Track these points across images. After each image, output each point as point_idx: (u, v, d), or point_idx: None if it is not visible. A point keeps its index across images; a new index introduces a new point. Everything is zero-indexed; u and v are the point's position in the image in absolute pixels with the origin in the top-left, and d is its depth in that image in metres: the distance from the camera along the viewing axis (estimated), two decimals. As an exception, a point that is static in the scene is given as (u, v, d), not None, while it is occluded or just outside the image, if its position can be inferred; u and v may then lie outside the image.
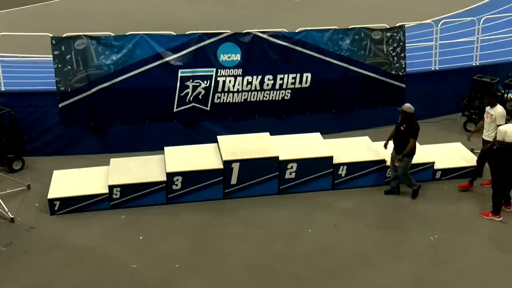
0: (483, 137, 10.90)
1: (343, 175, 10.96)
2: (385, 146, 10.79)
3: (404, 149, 10.31)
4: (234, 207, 10.61)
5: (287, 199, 10.84)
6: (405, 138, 10.37)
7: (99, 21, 20.04)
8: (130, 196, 10.53)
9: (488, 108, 10.83)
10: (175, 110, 12.60)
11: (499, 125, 10.26)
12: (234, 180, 10.74)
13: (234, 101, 12.76)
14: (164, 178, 10.58)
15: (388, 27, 13.41)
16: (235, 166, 10.63)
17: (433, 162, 11.35)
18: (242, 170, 10.62)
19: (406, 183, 10.69)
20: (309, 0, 23.91)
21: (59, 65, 11.98)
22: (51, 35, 12.01)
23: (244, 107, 12.76)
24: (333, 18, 18.56)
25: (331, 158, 10.82)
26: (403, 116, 10.42)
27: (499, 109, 10.68)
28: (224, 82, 12.57)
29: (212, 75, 12.50)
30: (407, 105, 10.48)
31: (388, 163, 10.96)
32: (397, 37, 13.39)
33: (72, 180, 10.84)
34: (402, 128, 10.43)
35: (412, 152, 10.42)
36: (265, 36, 12.65)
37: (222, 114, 12.82)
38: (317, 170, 10.83)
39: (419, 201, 10.68)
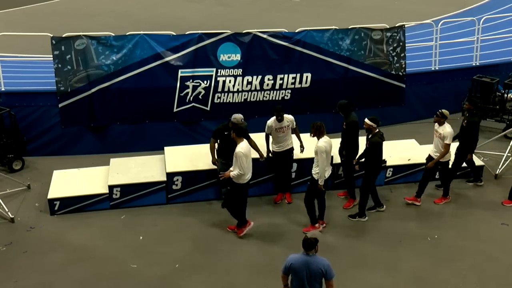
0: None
1: (343, 174, 10.94)
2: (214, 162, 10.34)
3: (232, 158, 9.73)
4: (234, 207, 10.60)
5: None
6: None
7: (99, 21, 20.06)
8: (130, 196, 10.53)
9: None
10: (175, 110, 12.59)
11: (294, 128, 10.18)
12: (234, 180, 10.74)
13: (234, 101, 12.77)
14: (164, 178, 10.58)
15: (388, 27, 13.41)
16: (235, 166, 10.62)
17: (433, 162, 11.37)
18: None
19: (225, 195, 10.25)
20: (309, 0, 23.91)
21: (59, 65, 11.97)
22: (51, 35, 12.01)
23: (244, 107, 12.73)
24: (333, 18, 18.57)
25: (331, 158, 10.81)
26: (231, 126, 9.92)
27: (289, 117, 10.41)
28: (224, 82, 12.57)
29: (212, 75, 12.50)
30: (237, 115, 10.03)
31: (388, 163, 10.96)
32: (397, 37, 13.39)
33: (72, 180, 10.84)
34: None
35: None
36: (265, 36, 12.65)
37: (222, 114, 12.78)
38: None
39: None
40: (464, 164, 11.05)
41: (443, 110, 10.20)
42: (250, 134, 10.51)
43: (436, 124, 10.30)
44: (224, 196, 10.29)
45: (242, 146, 9.25)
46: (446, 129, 10.09)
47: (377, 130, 9.77)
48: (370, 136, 9.86)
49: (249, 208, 10.43)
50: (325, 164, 9.32)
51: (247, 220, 9.74)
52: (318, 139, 9.39)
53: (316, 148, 9.33)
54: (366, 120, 9.77)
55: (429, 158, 10.45)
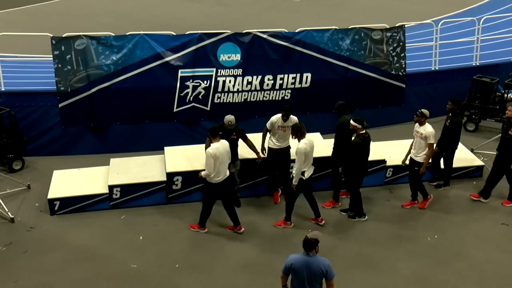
0: None
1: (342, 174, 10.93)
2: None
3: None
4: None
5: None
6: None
7: (99, 21, 20.06)
8: (130, 196, 10.53)
9: None
10: (175, 110, 12.59)
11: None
12: (234, 180, 10.73)
13: (234, 101, 12.77)
14: (164, 178, 10.58)
15: (388, 27, 13.41)
16: (235, 166, 10.62)
17: (433, 162, 11.37)
18: (242, 170, 10.61)
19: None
20: (309, 0, 23.91)
21: (59, 65, 11.97)
22: (51, 35, 12.01)
23: (244, 107, 12.75)
24: (333, 18, 18.58)
25: (330, 158, 10.81)
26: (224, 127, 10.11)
27: (294, 118, 10.44)
28: (224, 82, 12.57)
29: (212, 75, 12.50)
30: (227, 117, 10.17)
31: (388, 163, 10.95)
32: (397, 37, 13.39)
33: (72, 180, 10.85)
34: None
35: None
36: (265, 36, 12.65)
37: (222, 114, 12.72)
38: (316, 170, 10.80)
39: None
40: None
41: (423, 110, 10.20)
42: (250, 135, 10.53)
43: (417, 124, 10.27)
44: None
45: (213, 147, 9.25)
46: (428, 129, 10.08)
47: (363, 131, 9.74)
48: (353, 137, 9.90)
49: (248, 208, 10.49)
50: (302, 165, 9.40)
51: (205, 226, 9.83)
52: (299, 140, 9.46)
53: (296, 150, 9.43)
54: (351, 121, 9.77)
55: (410, 159, 10.39)
